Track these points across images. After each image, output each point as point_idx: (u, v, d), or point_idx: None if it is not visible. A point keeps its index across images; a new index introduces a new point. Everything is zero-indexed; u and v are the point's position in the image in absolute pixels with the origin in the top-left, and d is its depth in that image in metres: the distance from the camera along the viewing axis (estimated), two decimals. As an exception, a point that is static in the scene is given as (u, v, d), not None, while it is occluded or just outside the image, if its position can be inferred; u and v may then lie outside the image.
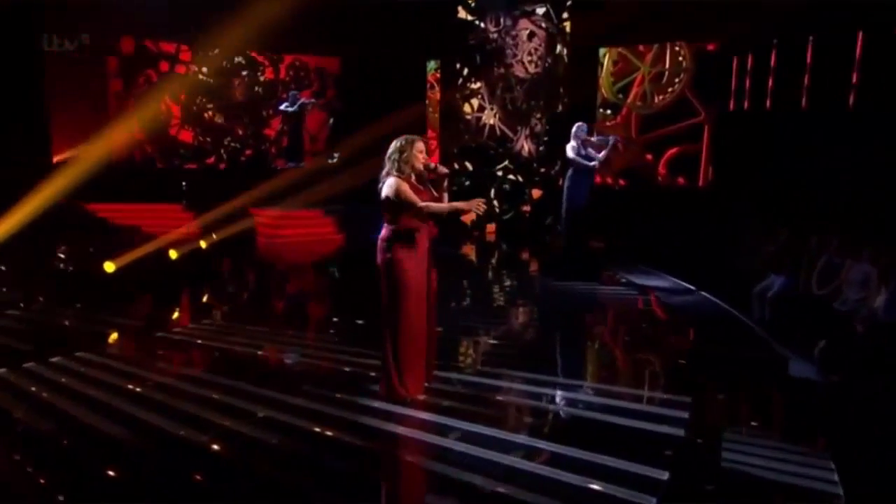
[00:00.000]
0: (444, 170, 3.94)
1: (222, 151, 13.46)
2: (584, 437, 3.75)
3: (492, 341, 5.64)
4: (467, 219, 12.35)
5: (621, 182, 11.26)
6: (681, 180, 10.55)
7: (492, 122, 12.86)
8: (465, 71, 12.89)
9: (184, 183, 11.93)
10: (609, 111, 11.25)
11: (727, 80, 9.46)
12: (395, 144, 3.91)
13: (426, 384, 4.19)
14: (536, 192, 12.41)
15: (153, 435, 3.76)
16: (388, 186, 3.84)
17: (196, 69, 13.14)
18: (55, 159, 11.56)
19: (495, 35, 12.56)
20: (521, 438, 3.72)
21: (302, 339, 5.81)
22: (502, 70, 12.61)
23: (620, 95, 11.15)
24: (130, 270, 7.97)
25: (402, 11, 12.12)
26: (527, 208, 12.49)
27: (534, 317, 6.66)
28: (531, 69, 12.40)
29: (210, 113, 13.44)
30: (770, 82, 8.97)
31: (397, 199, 3.82)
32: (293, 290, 8.16)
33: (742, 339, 5.67)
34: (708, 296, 6.97)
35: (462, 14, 12.67)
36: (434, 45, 12.67)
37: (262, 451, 3.59)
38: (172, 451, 3.59)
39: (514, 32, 12.42)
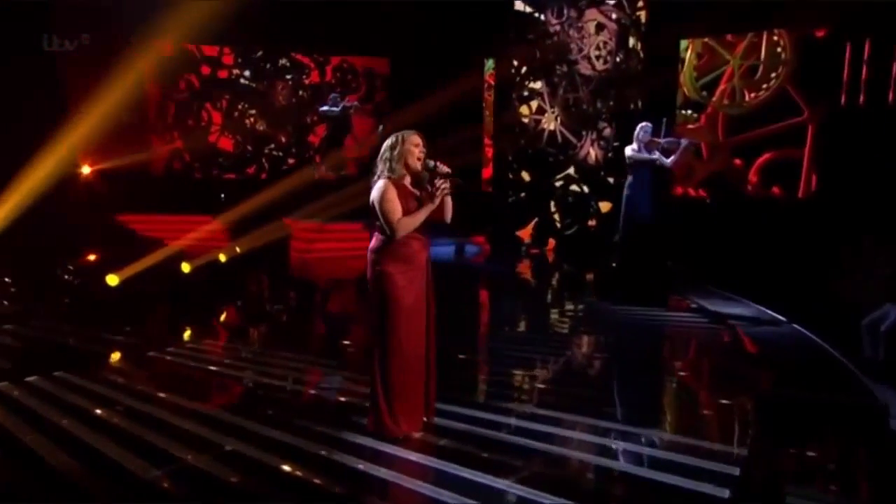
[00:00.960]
0: (444, 168, 3.76)
1: (263, 160, 13.68)
2: (608, 494, 3.52)
3: (522, 373, 5.47)
4: (524, 234, 12.32)
5: (701, 192, 10.85)
6: (776, 190, 10.07)
7: (552, 126, 12.65)
8: (523, 70, 12.71)
9: (222, 195, 12.36)
10: (691, 111, 10.83)
11: (838, 72, 8.90)
12: (387, 142, 3.80)
13: (424, 419, 4.02)
14: (605, 205, 12.18)
15: (100, 467, 3.70)
16: (375, 190, 3.72)
17: (238, 73, 13.65)
18: (87, 169, 12.27)
19: (557, 28, 12.37)
20: (530, 493, 3.46)
21: (296, 362, 5.70)
22: (565, 68, 12.37)
23: (704, 93, 10.73)
24: (137, 284, 8.17)
25: (456, 4, 12.19)
26: (592, 223, 12.30)
27: (580, 347, 6.45)
28: (599, 66, 12.12)
29: (252, 119, 13.77)
30: (893, 72, 8.45)
31: (378, 208, 3.69)
32: (311, 309, 8.14)
33: (836, 380, 5.31)
34: (800, 328, 6.58)
35: (520, 6, 12.50)
36: (490, 42, 12.61)
37: (215, 490, 3.48)
38: (115, 487, 3.51)
39: (579, 25, 12.19)
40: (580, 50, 12.21)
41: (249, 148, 13.77)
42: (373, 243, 3.77)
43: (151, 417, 4.37)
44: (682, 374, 5.55)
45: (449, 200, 3.82)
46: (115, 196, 12.05)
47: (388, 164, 3.74)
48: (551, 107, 12.63)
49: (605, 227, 11.83)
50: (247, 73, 13.61)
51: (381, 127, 13.17)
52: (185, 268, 9.03)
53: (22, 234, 9.48)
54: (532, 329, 7.02)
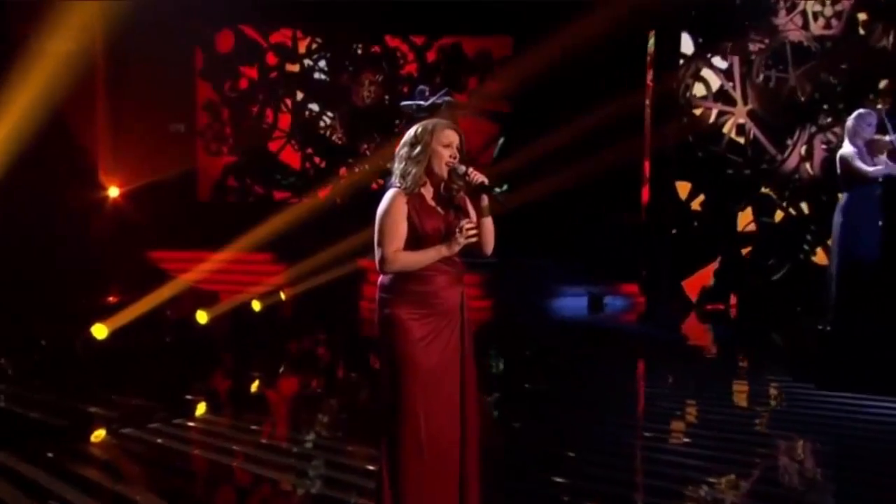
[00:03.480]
0: (478, 177, 3.67)
1: (339, 179, 13.88)
2: None
3: (684, 493, 5.07)
4: (696, 282, 11.96)
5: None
6: None
7: (741, 121, 12.11)
8: (699, 42, 12.22)
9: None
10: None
11: None
12: (407, 134, 3.76)
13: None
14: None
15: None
16: (382, 203, 3.70)
17: (311, 64, 13.93)
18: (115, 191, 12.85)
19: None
20: None
21: (290, 441, 5.94)
22: (761, 40, 11.79)
23: None
24: (135, 336, 8.45)
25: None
26: (799, 265, 11.82)
27: (773, 460, 5.99)
28: (817, 31, 11.49)
29: (327, 125, 14.13)
30: None
31: (376, 227, 3.68)
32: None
33: None
34: None
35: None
36: (654, 12, 12.40)
37: None
38: None
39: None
40: (786, 10, 11.70)
41: (319, 163, 14.02)
42: (382, 278, 3.75)
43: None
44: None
45: (489, 223, 3.75)
46: (148, 225, 12.60)
47: (403, 168, 3.72)
48: (741, 93, 12.08)
49: (811, 271, 11.44)
50: (322, 63, 14.02)
51: (499, 140, 13.71)
52: (202, 317, 9.27)
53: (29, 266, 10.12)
54: (699, 426, 6.84)
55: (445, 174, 3.68)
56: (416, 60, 14.05)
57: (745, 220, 12.19)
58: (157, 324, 9.25)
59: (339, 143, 14.01)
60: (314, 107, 14.18)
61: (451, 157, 3.68)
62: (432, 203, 3.73)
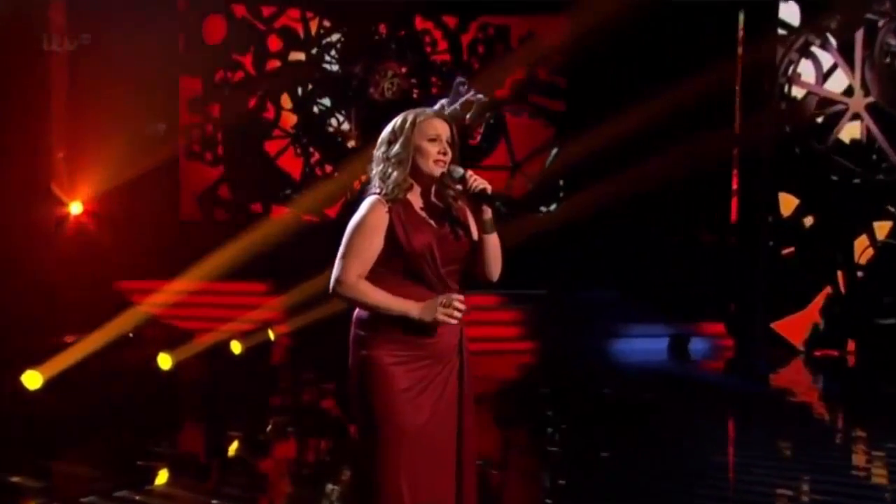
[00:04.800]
0: (479, 183, 3.73)
1: (348, 194, 13.64)
2: None
3: None
4: (797, 322, 11.81)
5: None
6: None
7: (857, 114, 12.13)
8: (806, 9, 12.30)
9: None
10: None
11: None
12: (385, 129, 3.86)
13: None
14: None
15: None
16: (358, 211, 3.79)
17: (317, 51, 13.87)
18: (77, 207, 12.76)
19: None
20: None
21: None
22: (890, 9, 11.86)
23: None
24: (68, 388, 8.32)
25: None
26: None
27: None
28: None
29: (339, 126, 13.99)
30: None
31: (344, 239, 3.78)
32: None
33: None
34: None
35: None
36: None
37: None
38: None
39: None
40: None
41: (332, 173, 13.84)
42: (358, 310, 3.81)
43: None
44: None
45: (494, 241, 3.82)
46: (118, 250, 12.44)
47: (382, 170, 3.79)
48: (854, 78, 12.07)
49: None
50: (333, 51, 13.97)
51: (554, 151, 13.80)
52: (165, 362, 9.16)
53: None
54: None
55: (436, 175, 3.71)
56: (449, 50, 14.02)
57: (860, 244, 12.30)
58: (108, 370, 9.12)
59: (353, 146, 13.92)
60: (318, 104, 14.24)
61: (439, 153, 3.70)
62: (422, 213, 3.74)
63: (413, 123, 3.75)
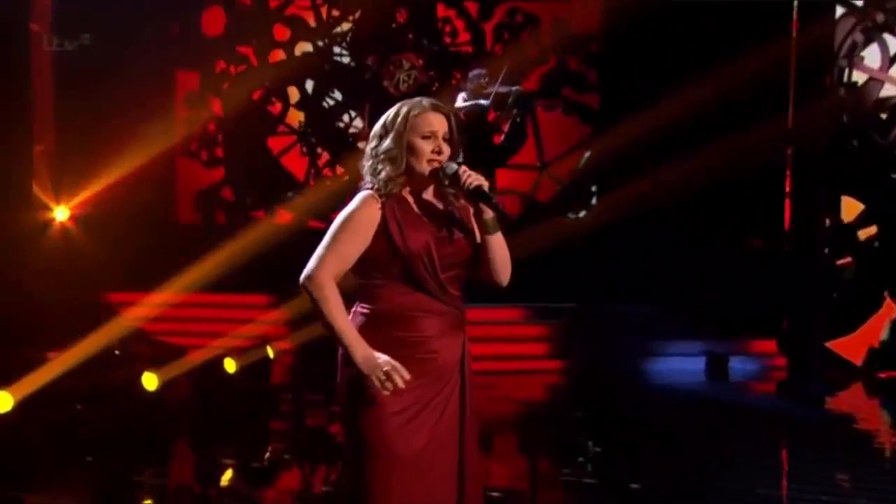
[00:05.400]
0: (473, 179, 3.76)
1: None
2: None
3: None
4: (843, 349, 11.94)
5: None
6: None
7: None
8: None
9: None
10: None
11: None
12: (377, 123, 3.91)
13: None
14: None
15: None
16: (348, 205, 3.87)
17: (326, 42, 13.90)
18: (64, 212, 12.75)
19: None
20: None
21: None
22: None
23: None
24: (41, 412, 8.27)
25: None
26: None
27: None
28: None
29: (351, 123, 13.98)
30: None
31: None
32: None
33: None
34: None
35: None
36: None
37: None
38: None
39: None
40: None
41: (341, 174, 13.74)
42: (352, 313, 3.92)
43: None
44: None
45: (498, 241, 3.85)
46: (107, 257, 12.28)
47: (372, 166, 3.83)
48: None
49: None
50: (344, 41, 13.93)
51: (586, 154, 13.71)
52: (150, 382, 9.09)
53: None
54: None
55: (426, 168, 3.71)
56: (467, 29, 13.97)
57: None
58: (87, 390, 9.13)
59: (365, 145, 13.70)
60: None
61: (433, 151, 3.70)
62: (419, 212, 3.76)
63: (405, 118, 3.73)
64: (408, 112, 3.73)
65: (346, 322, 3.73)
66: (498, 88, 12.37)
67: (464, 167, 3.73)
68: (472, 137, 12.79)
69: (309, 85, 14.12)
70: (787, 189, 12.75)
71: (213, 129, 13.91)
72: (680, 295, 12.17)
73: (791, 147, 12.78)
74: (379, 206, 3.68)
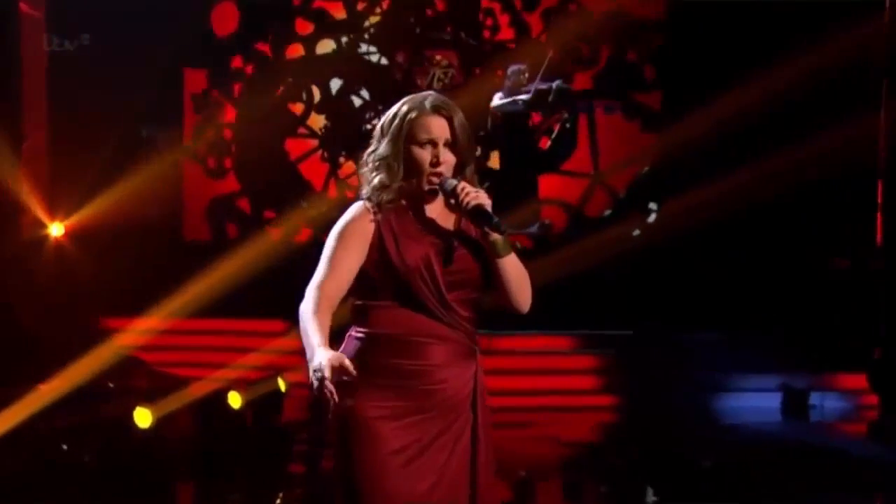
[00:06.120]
0: (473, 198, 3.63)
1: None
2: None
3: None
4: None
5: None
6: None
7: None
8: None
9: None
10: None
11: None
12: (384, 117, 3.90)
13: None
14: None
15: None
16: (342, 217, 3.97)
17: (350, 38, 14.01)
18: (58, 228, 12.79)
19: None
20: None
21: None
22: None
23: None
24: (14, 450, 8.35)
25: None
26: None
27: None
28: None
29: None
30: None
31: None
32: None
33: None
34: None
35: None
36: None
37: None
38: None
39: None
40: None
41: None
42: (345, 342, 3.88)
43: None
44: None
45: (511, 265, 3.78)
46: (106, 279, 12.25)
47: (366, 173, 3.81)
48: None
49: None
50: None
51: (646, 169, 13.87)
52: (143, 418, 8.98)
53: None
54: None
55: (425, 183, 3.69)
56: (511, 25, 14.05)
57: None
58: (74, 427, 9.16)
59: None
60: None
61: (432, 163, 3.65)
62: (420, 223, 3.74)
63: (402, 120, 3.67)
64: (406, 113, 3.66)
65: (308, 335, 3.60)
66: (538, 85, 12.38)
67: (463, 183, 3.65)
68: (510, 141, 13.16)
69: (334, 85, 14.12)
70: (879, 199, 12.59)
71: (228, 135, 13.91)
72: (752, 321, 12.07)
73: (883, 149, 12.54)
74: (372, 217, 3.65)
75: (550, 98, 12.61)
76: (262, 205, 13.93)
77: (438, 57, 13.96)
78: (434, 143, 3.62)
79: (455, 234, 3.74)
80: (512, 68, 12.70)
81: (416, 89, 12.78)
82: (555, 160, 13.53)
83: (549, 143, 13.63)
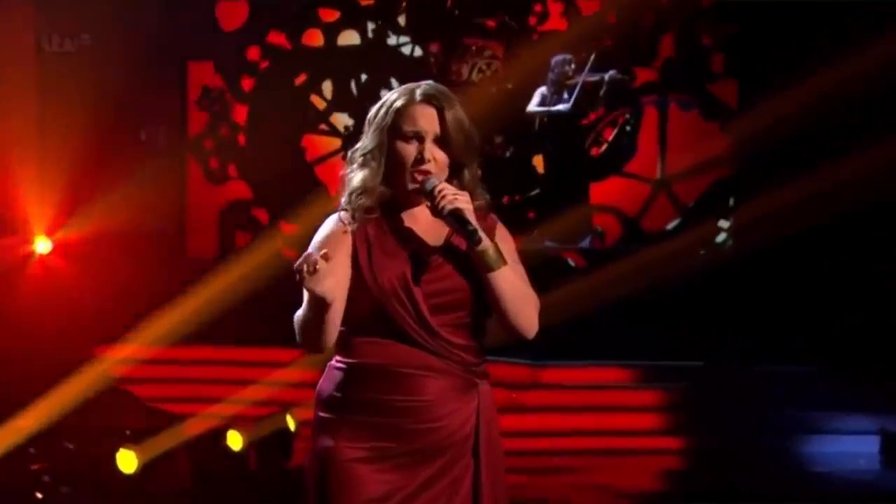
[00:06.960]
0: (450, 201, 3.62)
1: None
2: None
3: None
4: None
5: None
6: None
7: None
8: None
9: None
10: None
11: None
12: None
13: None
14: None
15: None
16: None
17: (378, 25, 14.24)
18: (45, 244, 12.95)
19: None
20: None
21: None
22: None
23: None
24: None
25: None
26: None
27: None
28: None
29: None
30: None
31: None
32: None
33: None
34: None
35: None
36: None
37: None
38: None
39: None
40: None
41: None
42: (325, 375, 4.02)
43: None
44: None
45: (504, 280, 3.78)
46: (97, 300, 12.44)
47: (348, 176, 3.84)
48: None
49: None
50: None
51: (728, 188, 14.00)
52: (127, 463, 8.92)
53: None
54: None
55: (409, 187, 3.76)
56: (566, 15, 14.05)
57: None
58: (49, 471, 8.98)
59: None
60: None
61: (418, 159, 3.68)
62: (399, 235, 3.79)
63: (388, 109, 3.67)
64: (392, 102, 3.66)
65: (302, 310, 3.60)
66: (585, 77, 12.64)
67: (444, 184, 3.61)
68: (556, 146, 13.44)
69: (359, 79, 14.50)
70: None
71: (237, 133, 14.15)
72: (845, 353, 11.73)
73: None
74: (344, 229, 3.68)
75: (602, 92, 12.83)
76: (279, 215, 13.97)
77: (480, 44, 14.04)
78: (420, 138, 3.60)
79: (441, 247, 3.71)
80: (556, 58, 12.89)
81: (451, 82, 13.00)
82: (609, 169, 13.63)
83: (604, 146, 13.57)
